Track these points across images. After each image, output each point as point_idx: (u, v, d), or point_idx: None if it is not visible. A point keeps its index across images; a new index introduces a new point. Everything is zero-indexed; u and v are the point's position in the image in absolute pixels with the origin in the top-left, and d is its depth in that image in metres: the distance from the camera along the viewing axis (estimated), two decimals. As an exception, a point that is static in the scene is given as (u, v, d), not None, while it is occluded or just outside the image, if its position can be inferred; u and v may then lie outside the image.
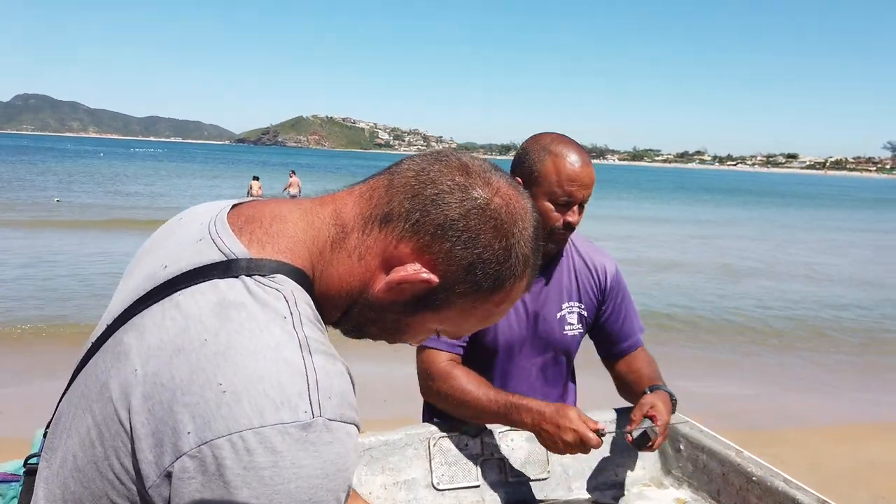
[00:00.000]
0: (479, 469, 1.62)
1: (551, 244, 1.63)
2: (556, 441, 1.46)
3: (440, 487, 1.57)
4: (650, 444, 1.52)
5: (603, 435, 1.47)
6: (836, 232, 22.73)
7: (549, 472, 1.67)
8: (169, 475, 0.60)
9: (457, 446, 1.63)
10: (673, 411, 1.65)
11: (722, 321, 8.77)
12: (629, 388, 1.76)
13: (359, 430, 0.66)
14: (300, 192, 22.37)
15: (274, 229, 0.73)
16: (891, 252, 17.70)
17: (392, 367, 5.15)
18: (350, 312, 0.78)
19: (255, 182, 20.80)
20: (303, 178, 24.98)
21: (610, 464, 1.74)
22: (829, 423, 5.21)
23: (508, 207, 0.74)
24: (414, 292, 0.74)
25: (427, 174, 0.74)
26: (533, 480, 1.65)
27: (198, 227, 0.76)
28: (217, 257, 0.70)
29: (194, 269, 0.69)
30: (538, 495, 1.63)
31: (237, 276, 0.68)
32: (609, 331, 1.80)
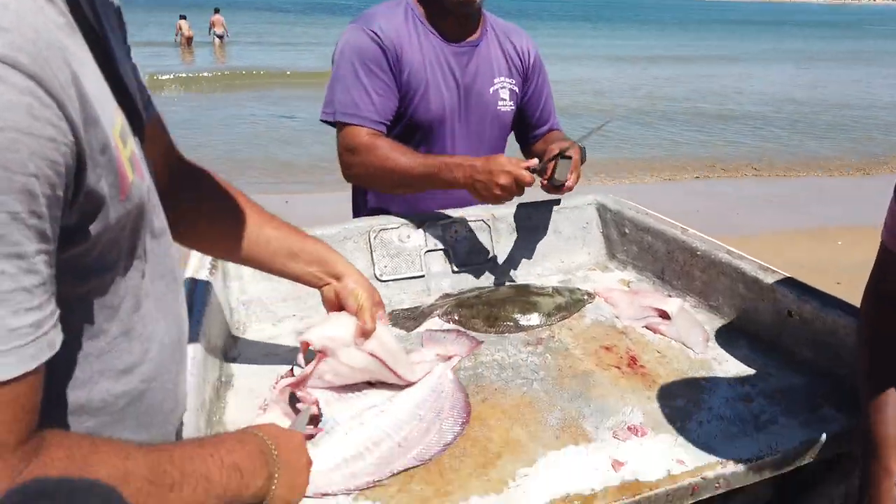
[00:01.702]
0: (423, 260, 1.57)
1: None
2: (490, 188, 1.45)
3: (384, 279, 1.52)
4: (565, 180, 1.51)
5: (535, 172, 1.47)
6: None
7: (494, 260, 1.64)
8: None
9: (398, 239, 1.57)
10: (582, 161, 1.62)
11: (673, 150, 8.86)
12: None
13: (42, 88, 0.47)
14: (226, 31, 20.88)
15: None
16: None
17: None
18: None
19: (183, 21, 19.82)
20: (229, 16, 23.16)
21: (554, 250, 1.71)
22: (765, 230, 5.44)
23: None
24: None
25: None
26: (478, 269, 1.62)
27: None
28: None
29: None
30: (483, 283, 1.61)
31: None
32: (530, 112, 1.79)
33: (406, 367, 1.12)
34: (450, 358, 1.23)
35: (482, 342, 1.33)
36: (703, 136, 9.73)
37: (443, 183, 1.52)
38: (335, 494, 0.90)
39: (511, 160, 1.47)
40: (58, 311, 0.51)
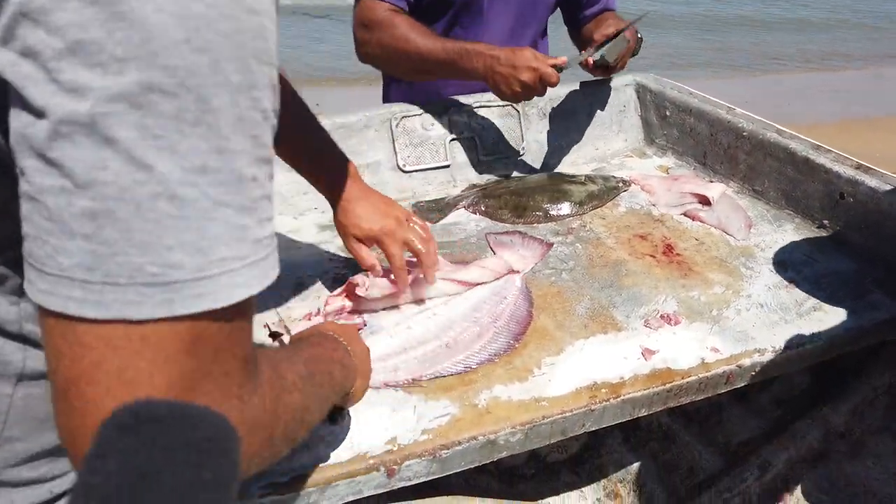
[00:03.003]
0: (448, 149, 1.50)
1: None
2: (510, 83, 1.31)
3: (406, 169, 1.46)
4: (612, 63, 1.39)
5: (561, 70, 1.32)
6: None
7: (523, 148, 1.55)
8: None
9: (422, 126, 1.48)
10: (636, 52, 1.48)
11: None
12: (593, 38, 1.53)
13: None
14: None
15: None
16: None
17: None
18: None
19: None
20: None
21: (588, 137, 1.61)
22: (818, 121, 5.14)
23: None
24: None
25: None
26: (506, 158, 1.54)
27: None
28: None
29: None
30: (512, 173, 1.53)
31: None
32: None
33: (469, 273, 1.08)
34: (517, 271, 1.14)
35: (553, 244, 1.24)
36: (748, 36, 9.11)
37: (461, 72, 1.39)
38: (376, 388, 0.86)
39: (538, 55, 1.31)
40: None
